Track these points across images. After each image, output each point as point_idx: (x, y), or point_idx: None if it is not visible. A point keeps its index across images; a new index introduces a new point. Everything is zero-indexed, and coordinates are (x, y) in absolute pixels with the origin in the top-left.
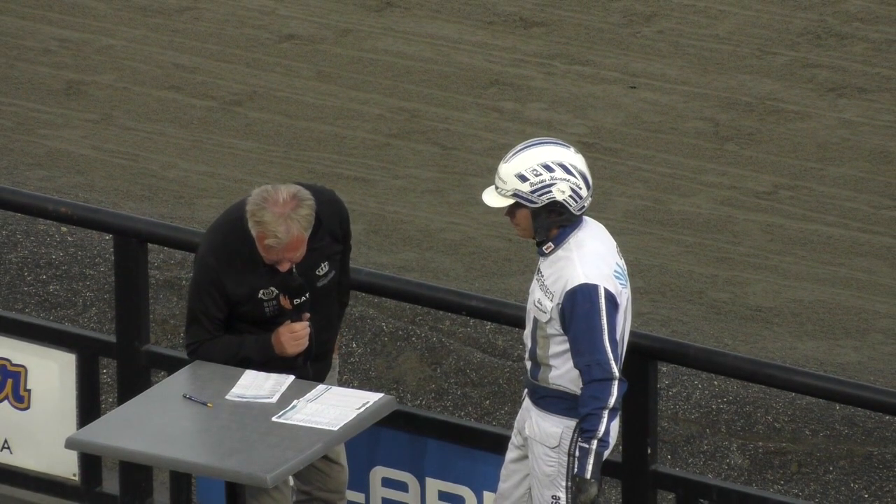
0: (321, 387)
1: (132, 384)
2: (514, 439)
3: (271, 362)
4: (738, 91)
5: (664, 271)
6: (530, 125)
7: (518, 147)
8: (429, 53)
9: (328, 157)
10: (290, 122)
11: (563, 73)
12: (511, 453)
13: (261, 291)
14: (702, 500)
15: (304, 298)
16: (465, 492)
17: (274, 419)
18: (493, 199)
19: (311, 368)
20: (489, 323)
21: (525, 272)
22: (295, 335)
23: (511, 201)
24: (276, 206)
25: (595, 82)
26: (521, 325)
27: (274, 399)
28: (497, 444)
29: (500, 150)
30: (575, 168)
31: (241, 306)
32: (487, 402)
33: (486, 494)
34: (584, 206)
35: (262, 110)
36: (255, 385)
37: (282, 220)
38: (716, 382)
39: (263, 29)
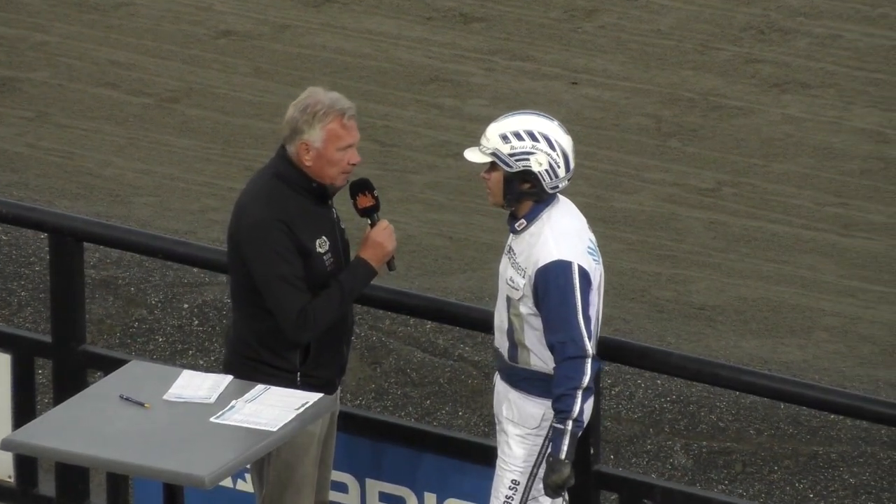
0: (260, 387)
1: (68, 384)
2: (498, 426)
3: (325, 385)
4: (680, 87)
5: (606, 269)
6: (470, 121)
7: (514, 112)
8: (367, 49)
9: (267, 154)
10: (228, 119)
11: (503, 69)
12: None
13: (316, 242)
14: (645, 501)
15: (377, 196)
16: (405, 493)
17: (212, 419)
18: (473, 154)
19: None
20: (430, 322)
21: (466, 271)
22: (386, 230)
23: (489, 159)
24: (321, 93)
25: (536, 78)
26: (462, 324)
27: (212, 399)
28: (438, 445)
29: (441, 147)
30: (559, 146)
31: (306, 262)
32: (428, 402)
33: (427, 496)
34: (557, 186)
35: (198, 107)
36: (193, 385)
37: (336, 95)
38: (659, 381)
39: (200, 25)
